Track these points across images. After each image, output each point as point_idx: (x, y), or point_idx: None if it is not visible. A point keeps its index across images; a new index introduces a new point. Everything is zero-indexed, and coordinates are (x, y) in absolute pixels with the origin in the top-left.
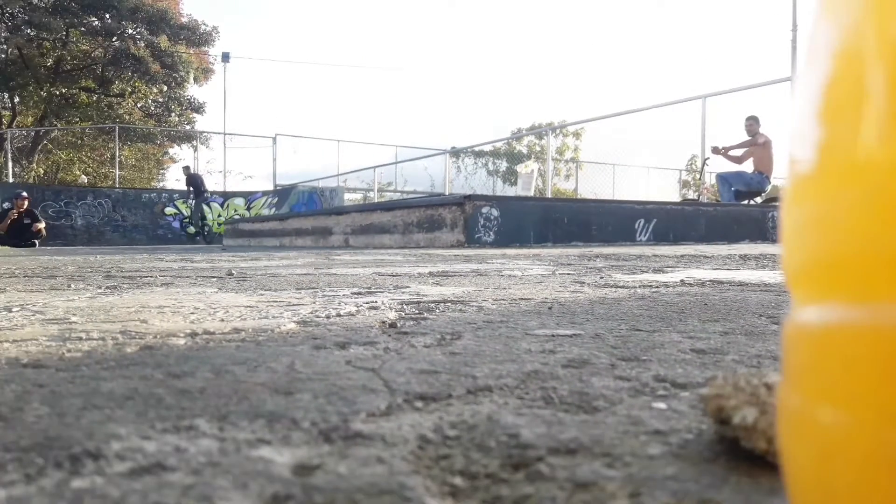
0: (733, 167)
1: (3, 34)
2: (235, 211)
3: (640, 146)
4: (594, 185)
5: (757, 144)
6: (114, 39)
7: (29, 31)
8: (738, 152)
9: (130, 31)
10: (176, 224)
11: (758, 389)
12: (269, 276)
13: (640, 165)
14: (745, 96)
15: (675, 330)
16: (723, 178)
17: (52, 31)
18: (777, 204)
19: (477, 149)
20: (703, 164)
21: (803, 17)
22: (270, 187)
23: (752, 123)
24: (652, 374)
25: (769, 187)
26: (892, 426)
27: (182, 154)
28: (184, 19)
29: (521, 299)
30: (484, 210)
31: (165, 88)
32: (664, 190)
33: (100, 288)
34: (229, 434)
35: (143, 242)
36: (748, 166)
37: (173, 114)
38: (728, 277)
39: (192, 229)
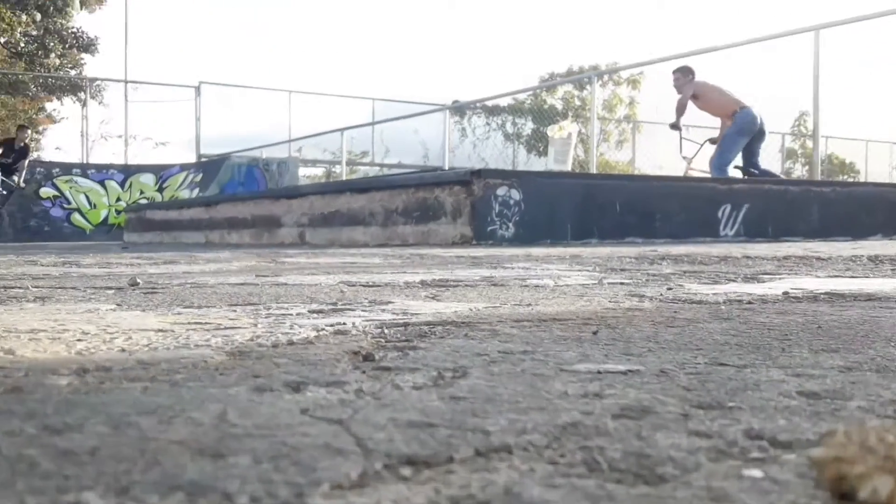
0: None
1: None
2: (141, 192)
3: None
4: (658, 156)
5: (685, 99)
6: None
7: None
8: (695, 144)
9: None
10: (57, 212)
11: (895, 450)
12: (191, 286)
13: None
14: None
15: (775, 364)
16: (718, 169)
17: None
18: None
19: (490, 103)
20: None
21: None
22: (192, 159)
23: (678, 77)
24: (742, 427)
25: (748, 119)
26: None
27: (65, 111)
28: None
29: (554, 320)
30: (500, 191)
31: (40, 17)
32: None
33: None
34: None
35: (9, 238)
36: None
37: (52, 54)
38: (852, 288)
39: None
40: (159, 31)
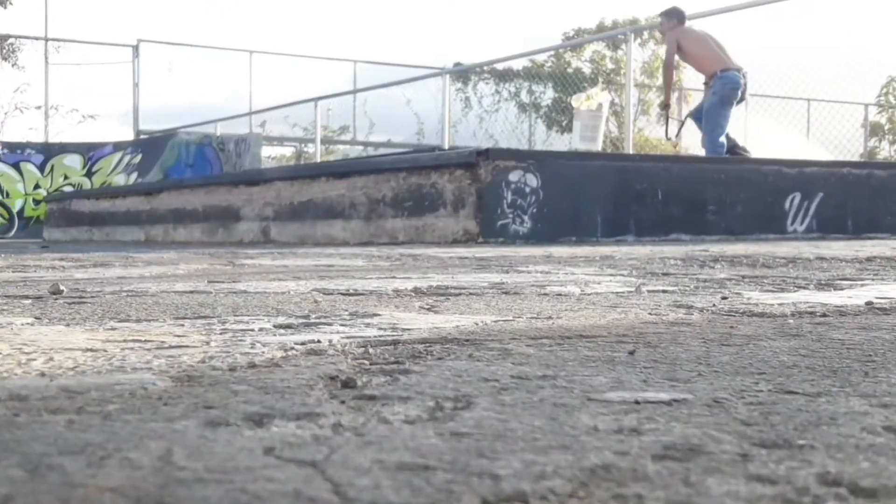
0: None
1: None
2: (66, 178)
3: (793, 64)
4: None
5: (670, 56)
6: None
7: None
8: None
9: None
10: None
11: None
12: (128, 295)
13: (793, 97)
14: None
15: (856, 392)
16: (711, 149)
17: None
18: None
19: (501, 66)
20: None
21: None
22: (129, 136)
23: (663, 22)
24: (815, 471)
25: (728, 85)
26: None
27: None
28: None
29: (581, 337)
30: (513, 176)
31: None
32: (838, 140)
33: None
34: None
35: None
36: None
37: None
38: None
39: None
40: None
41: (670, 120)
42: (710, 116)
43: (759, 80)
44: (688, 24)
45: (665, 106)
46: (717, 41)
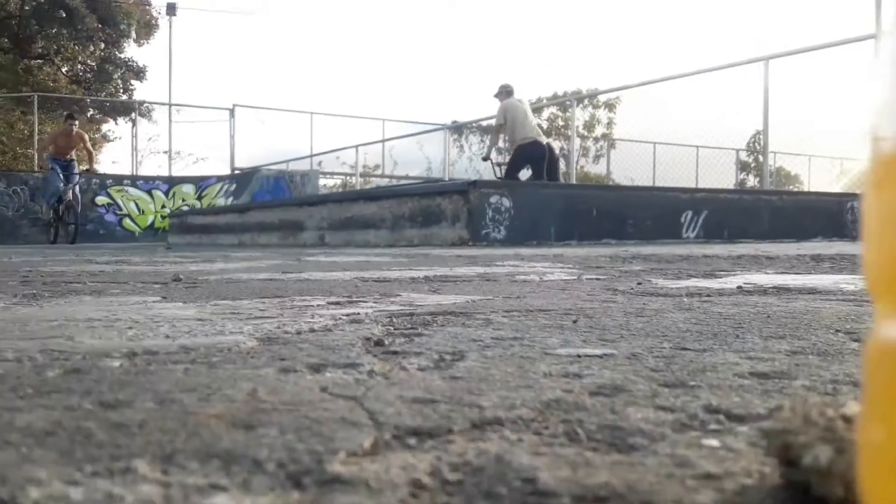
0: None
1: None
2: (183, 200)
3: (688, 120)
4: (630, 169)
5: (497, 123)
6: None
7: None
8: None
9: None
10: (110, 217)
11: (834, 423)
12: (226, 281)
13: (687, 144)
14: (817, 58)
15: (730, 349)
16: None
17: None
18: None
19: (484, 123)
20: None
21: None
22: (227, 171)
23: (497, 95)
24: (702, 403)
25: (526, 152)
26: None
27: (118, 131)
28: None
29: (539, 311)
30: (493, 199)
31: (104, 46)
32: (718, 175)
33: (15, 297)
34: (175, 478)
35: (69, 240)
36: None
37: (114, 77)
38: (796, 283)
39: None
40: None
41: (494, 165)
42: (507, 173)
43: (667, 131)
44: (515, 97)
45: (486, 158)
46: (526, 116)
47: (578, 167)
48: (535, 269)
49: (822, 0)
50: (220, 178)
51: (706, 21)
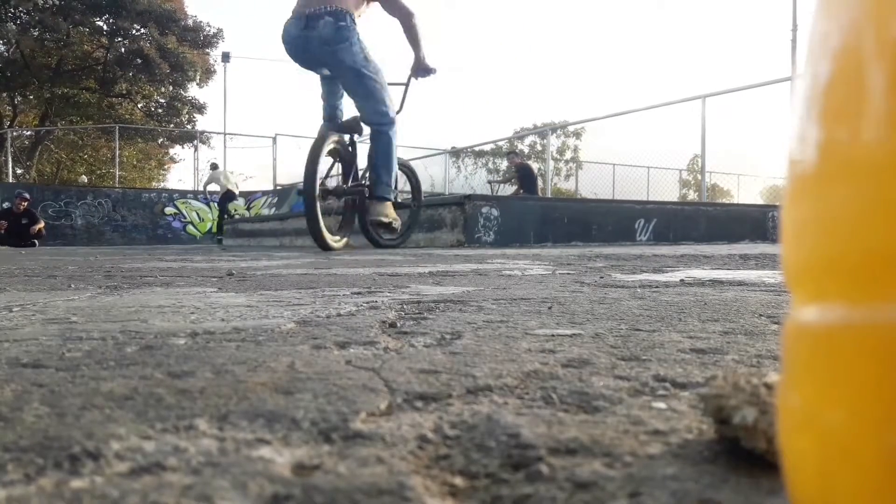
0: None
1: (13, 36)
2: (235, 211)
3: (640, 146)
4: (594, 185)
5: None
6: (118, 40)
7: (34, 31)
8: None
9: (136, 31)
10: (176, 224)
11: (758, 389)
12: (269, 275)
13: (640, 165)
14: (744, 96)
15: (674, 330)
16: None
17: (57, 31)
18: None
19: (477, 148)
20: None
21: (803, 17)
22: (270, 187)
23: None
24: (652, 373)
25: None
26: (891, 428)
27: (183, 154)
28: (189, 21)
29: (521, 299)
30: (484, 210)
31: (172, 87)
32: (664, 190)
33: (100, 288)
34: (229, 434)
35: (143, 242)
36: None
37: (183, 111)
38: (728, 277)
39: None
40: (248, 96)
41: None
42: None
43: (623, 154)
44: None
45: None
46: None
47: (553, 184)
48: (518, 266)
49: (751, 48)
50: (264, 193)
51: (655, 63)
